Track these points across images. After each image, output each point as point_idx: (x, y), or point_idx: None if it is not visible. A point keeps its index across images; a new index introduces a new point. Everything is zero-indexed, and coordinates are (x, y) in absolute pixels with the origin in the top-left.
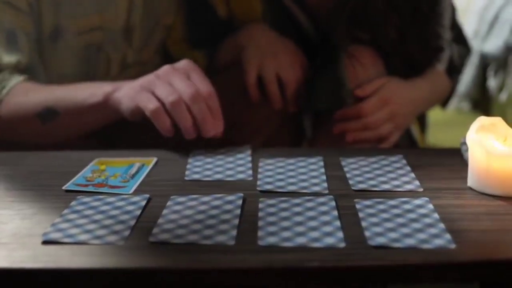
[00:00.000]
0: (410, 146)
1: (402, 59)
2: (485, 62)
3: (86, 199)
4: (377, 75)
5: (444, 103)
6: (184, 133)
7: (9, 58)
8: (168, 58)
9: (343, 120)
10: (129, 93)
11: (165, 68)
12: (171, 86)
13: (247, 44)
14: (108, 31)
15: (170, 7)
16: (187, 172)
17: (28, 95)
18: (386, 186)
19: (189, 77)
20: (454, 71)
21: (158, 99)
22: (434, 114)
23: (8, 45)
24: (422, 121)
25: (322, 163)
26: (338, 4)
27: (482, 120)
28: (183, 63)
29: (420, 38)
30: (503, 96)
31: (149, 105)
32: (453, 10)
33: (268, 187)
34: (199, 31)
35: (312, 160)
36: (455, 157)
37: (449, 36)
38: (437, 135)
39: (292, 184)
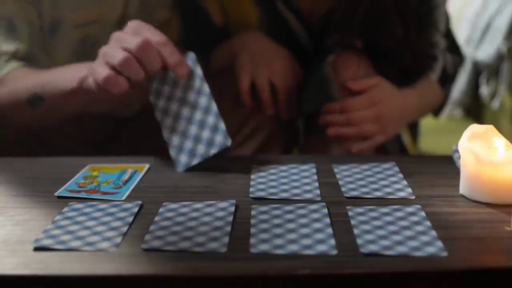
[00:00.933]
0: (400, 153)
1: (395, 67)
2: (477, 70)
3: (78, 205)
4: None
5: (436, 112)
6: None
7: (8, 46)
8: None
9: (327, 113)
10: (90, 75)
11: (113, 34)
12: (124, 45)
13: (241, 51)
14: (104, 24)
15: (165, 3)
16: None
17: (19, 81)
18: (378, 194)
19: (138, 33)
20: (447, 80)
21: (112, 59)
22: (426, 121)
23: (7, 33)
24: (413, 128)
25: (314, 170)
26: (330, 12)
27: (474, 127)
28: (130, 23)
29: (415, 47)
30: (495, 104)
31: (101, 73)
32: (447, 19)
33: (261, 194)
34: (193, 36)
35: (305, 167)
36: (448, 165)
37: (443, 45)
38: (429, 142)
39: (284, 191)
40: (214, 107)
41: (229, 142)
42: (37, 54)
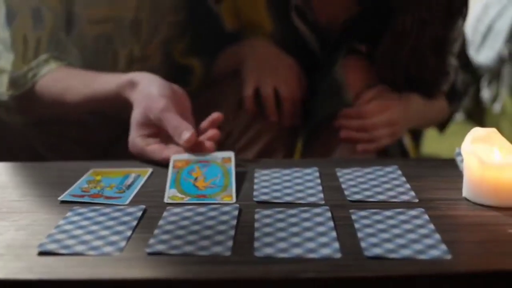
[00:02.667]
0: (401, 156)
1: (405, 79)
2: (478, 73)
3: (82, 210)
4: (368, 85)
5: (442, 126)
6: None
7: (32, 35)
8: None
9: (344, 117)
10: (147, 105)
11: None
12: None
13: (248, 57)
14: (118, 24)
15: (176, 5)
16: (255, 193)
17: (58, 86)
18: (381, 197)
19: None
20: (455, 96)
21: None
22: None
23: (33, 23)
24: (415, 132)
25: (317, 174)
26: (347, 24)
27: (477, 131)
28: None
29: (430, 64)
30: (496, 107)
31: (158, 156)
32: (463, 38)
33: (265, 197)
34: (202, 41)
35: (308, 171)
36: (450, 168)
37: (456, 62)
38: (431, 145)
39: (288, 195)
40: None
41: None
42: (63, 40)
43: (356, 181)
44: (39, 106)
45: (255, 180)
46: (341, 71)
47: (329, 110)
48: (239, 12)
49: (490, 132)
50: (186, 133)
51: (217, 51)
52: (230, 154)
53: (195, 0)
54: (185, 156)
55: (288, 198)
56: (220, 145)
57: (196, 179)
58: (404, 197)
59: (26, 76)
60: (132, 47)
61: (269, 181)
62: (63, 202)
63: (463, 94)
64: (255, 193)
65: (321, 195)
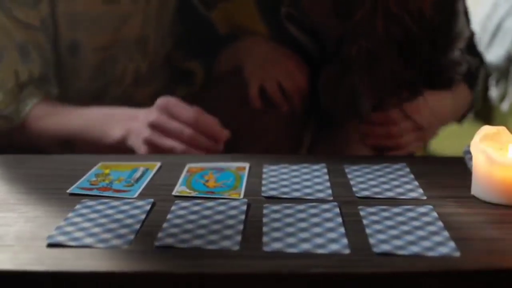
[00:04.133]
0: (408, 154)
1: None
2: (486, 72)
3: (91, 202)
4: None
5: (461, 117)
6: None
7: (22, 69)
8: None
9: (370, 124)
10: (143, 144)
11: (155, 115)
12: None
13: (247, 56)
14: (122, 44)
15: (175, 15)
16: (263, 188)
17: (44, 122)
18: (389, 194)
19: (173, 114)
20: (474, 81)
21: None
22: None
23: (21, 58)
24: None
25: (325, 170)
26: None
27: (486, 129)
28: (158, 102)
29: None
30: (504, 106)
31: (176, 150)
32: (468, 20)
33: (273, 193)
34: (198, 46)
35: (316, 167)
36: (459, 166)
37: (462, 46)
38: (438, 144)
39: (296, 190)
40: None
41: None
42: (50, 76)
43: (364, 177)
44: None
45: (264, 176)
46: (356, 77)
47: (344, 117)
48: (231, 18)
49: (500, 130)
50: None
51: (216, 53)
52: (245, 164)
53: (187, 8)
54: (200, 164)
55: (297, 194)
56: (227, 143)
57: (207, 180)
58: (413, 194)
59: (17, 111)
60: (139, 63)
61: (277, 176)
62: (71, 194)
63: (477, 78)
64: (263, 188)
65: (330, 191)
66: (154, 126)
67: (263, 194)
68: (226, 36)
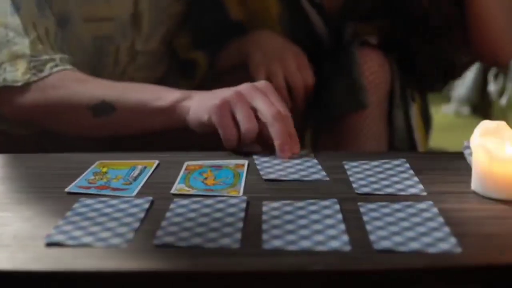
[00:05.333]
0: (410, 150)
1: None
2: (485, 67)
3: (89, 201)
4: (383, 79)
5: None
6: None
7: (39, 22)
8: (175, 55)
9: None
10: (203, 105)
11: (246, 86)
12: (250, 110)
13: (254, 50)
14: (116, 22)
15: None
16: (262, 172)
17: (85, 84)
18: (389, 190)
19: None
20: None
21: (235, 123)
22: (434, 118)
23: (38, 11)
24: (427, 125)
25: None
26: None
27: (485, 124)
28: (263, 84)
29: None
30: (503, 101)
31: (227, 135)
32: None
33: (272, 176)
34: (206, 33)
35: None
36: (458, 161)
37: None
38: (437, 139)
39: (293, 173)
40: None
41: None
42: (59, 38)
43: (363, 174)
44: (43, 111)
45: (258, 167)
46: (357, 70)
47: (344, 110)
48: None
49: (499, 125)
50: None
51: (222, 44)
52: (244, 162)
53: None
54: (199, 161)
55: (294, 176)
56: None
57: (206, 178)
58: (413, 190)
59: (45, 64)
60: (134, 40)
61: (273, 167)
62: (69, 193)
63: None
64: (261, 172)
65: (324, 173)
66: (238, 94)
67: (263, 177)
68: (235, 25)
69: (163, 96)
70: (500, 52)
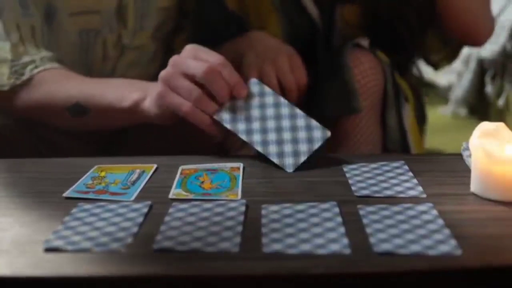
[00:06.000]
0: (403, 151)
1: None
2: (482, 68)
3: (88, 206)
4: (376, 82)
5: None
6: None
7: (24, 22)
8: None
9: None
10: (155, 101)
11: (174, 57)
12: (188, 71)
13: (247, 51)
14: (103, 15)
15: None
16: (354, 188)
17: (60, 84)
18: (389, 192)
19: (197, 56)
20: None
21: (187, 93)
22: (431, 120)
23: (22, 10)
24: (421, 127)
25: None
26: None
27: (484, 125)
28: (187, 48)
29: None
30: (500, 102)
31: (182, 107)
32: None
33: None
34: (204, 28)
35: None
36: (457, 163)
37: None
38: (434, 140)
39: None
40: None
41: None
42: (46, 34)
43: (362, 176)
44: (30, 105)
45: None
46: (349, 74)
47: (337, 114)
48: None
49: (499, 126)
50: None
51: (219, 40)
52: (239, 164)
53: None
54: (193, 165)
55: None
56: (220, 142)
57: (203, 182)
58: (412, 192)
59: (26, 67)
60: (120, 34)
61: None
62: (67, 198)
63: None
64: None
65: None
66: (165, 81)
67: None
68: (232, 19)
69: (125, 96)
70: (475, 36)
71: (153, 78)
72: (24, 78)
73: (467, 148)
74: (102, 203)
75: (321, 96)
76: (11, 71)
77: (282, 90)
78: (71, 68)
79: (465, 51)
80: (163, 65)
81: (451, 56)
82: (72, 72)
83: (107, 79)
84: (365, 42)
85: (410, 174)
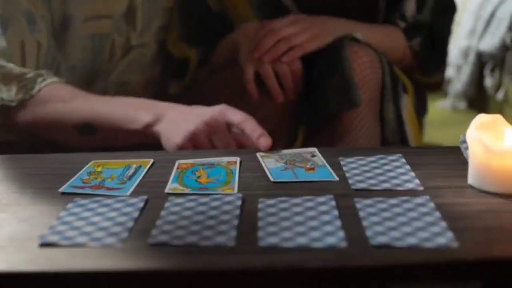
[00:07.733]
0: (401, 142)
1: None
2: (481, 61)
3: (83, 201)
4: (374, 75)
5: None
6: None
7: (31, 39)
8: (169, 56)
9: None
10: (175, 129)
11: (210, 118)
12: (227, 134)
13: (243, 43)
14: (113, 19)
15: None
16: (351, 181)
17: (69, 104)
18: (386, 185)
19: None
20: (413, 33)
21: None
22: (430, 113)
23: (28, 26)
24: (420, 121)
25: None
26: None
27: (481, 117)
28: (219, 110)
29: None
30: (499, 95)
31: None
32: None
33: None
34: (192, 27)
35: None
36: (455, 155)
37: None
38: (433, 134)
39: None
40: None
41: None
42: (53, 48)
43: (360, 169)
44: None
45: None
46: (348, 68)
47: (336, 108)
48: None
49: (495, 118)
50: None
51: (210, 37)
52: (236, 159)
53: None
54: (190, 160)
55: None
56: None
57: (199, 176)
58: (409, 185)
59: (35, 80)
60: (129, 36)
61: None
62: (64, 193)
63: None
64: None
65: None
66: (208, 125)
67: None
68: (220, 16)
69: (137, 117)
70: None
71: (152, 81)
72: (34, 92)
73: (465, 141)
74: (98, 198)
75: (321, 91)
76: (19, 86)
77: (278, 79)
78: (81, 71)
79: (464, 44)
80: (161, 71)
81: (442, 71)
82: (78, 89)
83: (115, 98)
84: (361, 35)
85: (408, 167)
